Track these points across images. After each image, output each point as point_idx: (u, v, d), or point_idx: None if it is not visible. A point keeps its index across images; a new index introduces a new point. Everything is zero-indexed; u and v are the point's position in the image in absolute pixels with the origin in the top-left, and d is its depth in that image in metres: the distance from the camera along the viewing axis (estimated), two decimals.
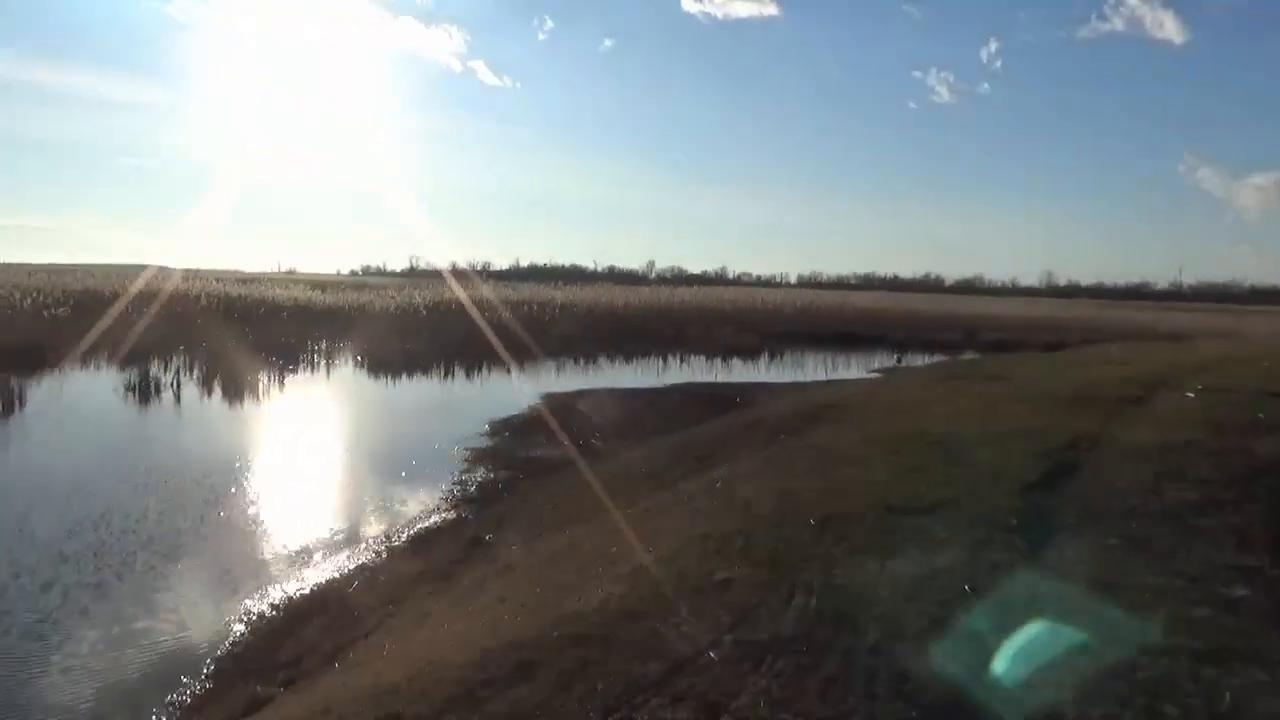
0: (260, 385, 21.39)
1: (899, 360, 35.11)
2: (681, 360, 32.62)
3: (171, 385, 20.49)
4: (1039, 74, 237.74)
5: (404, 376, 25.55)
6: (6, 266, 49.74)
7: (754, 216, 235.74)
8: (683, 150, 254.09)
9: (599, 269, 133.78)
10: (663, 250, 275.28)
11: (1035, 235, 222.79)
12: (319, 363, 28.04)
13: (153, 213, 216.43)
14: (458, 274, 61.31)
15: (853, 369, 31.62)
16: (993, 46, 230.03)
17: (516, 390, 23.05)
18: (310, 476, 13.28)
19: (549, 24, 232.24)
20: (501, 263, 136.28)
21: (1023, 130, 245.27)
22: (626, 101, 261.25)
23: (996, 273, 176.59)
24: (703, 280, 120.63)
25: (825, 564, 4.11)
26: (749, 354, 35.07)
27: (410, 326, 34.57)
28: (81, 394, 20.45)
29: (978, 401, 10.13)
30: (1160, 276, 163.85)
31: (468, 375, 26.35)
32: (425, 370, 26.59)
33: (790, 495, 5.45)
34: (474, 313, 32.98)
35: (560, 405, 18.82)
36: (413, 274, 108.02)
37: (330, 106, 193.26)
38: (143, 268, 50.72)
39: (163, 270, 43.03)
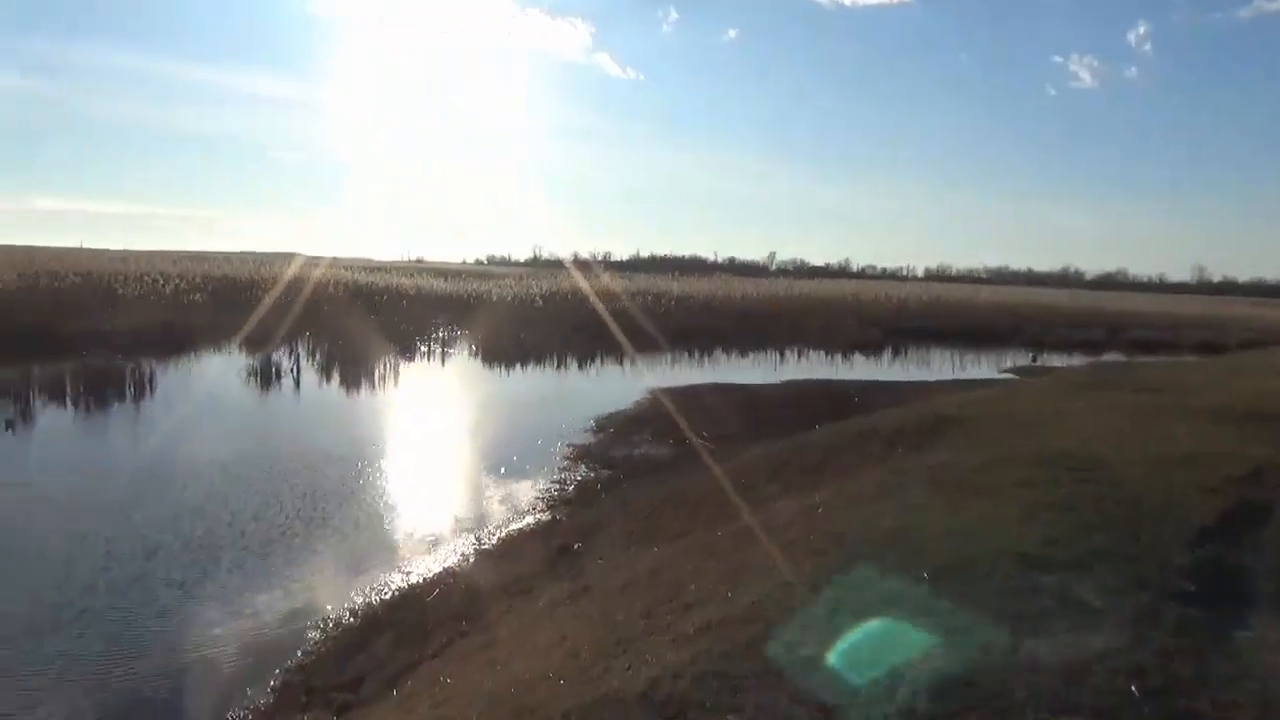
0: (375, 374, 21.70)
1: (1034, 359, 32.85)
2: (800, 355, 31.50)
3: (291, 372, 21.00)
4: (1192, 57, 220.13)
5: (516, 366, 25.52)
6: (160, 254, 52.90)
7: (880, 208, 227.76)
8: (807, 141, 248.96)
9: (719, 260, 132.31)
10: (785, 242, 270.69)
11: (1185, 228, 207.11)
12: (435, 350, 28.38)
13: (295, 203, 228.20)
14: (579, 264, 61.60)
15: (982, 368, 29.75)
16: (1141, 29, 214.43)
17: (626, 383, 22.58)
18: (411, 471, 13.11)
19: (673, 15, 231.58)
20: (622, 253, 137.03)
21: (1172, 116, 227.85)
22: (750, 92, 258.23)
23: (1141, 268, 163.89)
24: (825, 273, 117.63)
25: (939, 641, 3.26)
26: (871, 350, 33.62)
27: (526, 316, 34.71)
28: (207, 379, 21.21)
29: (1129, 416, 8.86)
30: None
31: (580, 366, 26.09)
32: (538, 360, 26.47)
33: (900, 535, 4.58)
34: (595, 303, 32.81)
35: (669, 401, 18.17)
36: (535, 263, 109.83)
37: (459, 98, 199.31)
38: (282, 255, 53.16)
39: (310, 260, 44.75)
